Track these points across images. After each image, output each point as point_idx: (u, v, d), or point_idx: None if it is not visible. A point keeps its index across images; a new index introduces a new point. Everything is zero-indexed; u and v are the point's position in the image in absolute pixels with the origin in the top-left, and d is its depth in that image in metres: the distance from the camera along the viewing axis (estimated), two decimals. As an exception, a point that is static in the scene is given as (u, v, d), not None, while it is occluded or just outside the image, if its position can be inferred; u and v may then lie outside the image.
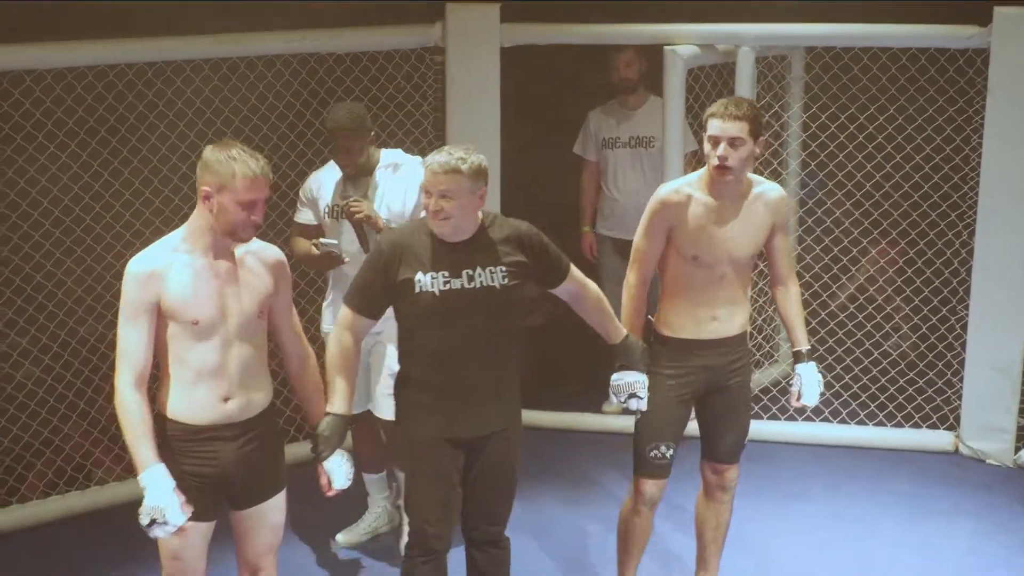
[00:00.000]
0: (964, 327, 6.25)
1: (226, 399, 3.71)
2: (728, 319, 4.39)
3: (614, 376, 4.31)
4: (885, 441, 6.33)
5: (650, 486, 4.45)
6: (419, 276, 3.91)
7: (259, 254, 3.80)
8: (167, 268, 3.65)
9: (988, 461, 6.15)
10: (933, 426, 6.32)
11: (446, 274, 3.92)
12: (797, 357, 4.48)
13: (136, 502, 3.61)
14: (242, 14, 6.01)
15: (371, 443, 5.24)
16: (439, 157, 3.91)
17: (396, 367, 4.15)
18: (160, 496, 3.55)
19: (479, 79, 6.17)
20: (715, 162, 4.22)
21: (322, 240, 4.95)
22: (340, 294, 4.81)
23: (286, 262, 3.87)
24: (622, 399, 4.31)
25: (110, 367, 5.43)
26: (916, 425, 6.35)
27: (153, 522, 3.56)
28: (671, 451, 4.42)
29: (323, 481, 3.92)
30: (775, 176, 6.35)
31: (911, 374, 6.45)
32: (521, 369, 4.15)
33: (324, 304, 5.21)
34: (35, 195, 5.51)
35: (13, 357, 5.57)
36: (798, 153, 6.71)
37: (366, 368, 4.97)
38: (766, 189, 4.40)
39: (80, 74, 5.51)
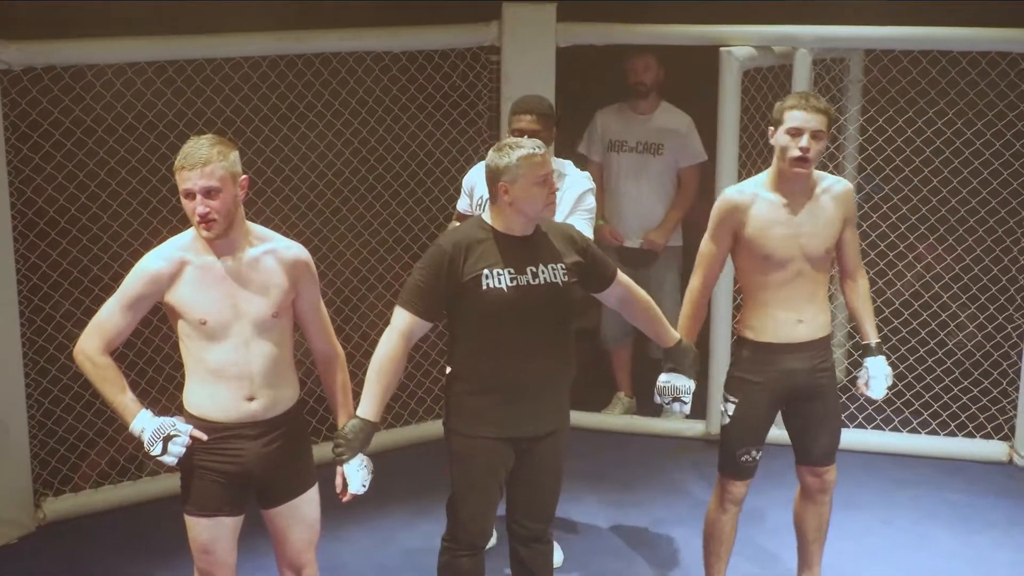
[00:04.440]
0: (1021, 335, 6.17)
1: (250, 398, 3.72)
2: (813, 320, 4.36)
3: (661, 377, 4.28)
4: (937, 450, 6.24)
5: (738, 486, 4.49)
6: (487, 272, 3.88)
7: (278, 253, 3.75)
8: (177, 268, 3.66)
9: (1043, 472, 6.07)
10: (987, 436, 6.23)
11: (512, 270, 3.90)
12: (866, 351, 4.48)
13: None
14: (298, 12, 6.04)
15: None
16: (534, 144, 3.91)
17: None
18: (160, 422, 3.66)
19: (535, 78, 6.15)
20: (795, 154, 4.18)
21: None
22: None
23: (309, 261, 3.81)
24: (666, 401, 4.29)
25: (164, 359, 5.57)
26: (970, 435, 6.26)
27: (167, 440, 3.64)
28: (759, 453, 4.46)
29: (338, 482, 3.86)
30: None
31: (965, 382, 6.35)
32: (574, 369, 4.14)
33: None
34: (94, 188, 5.56)
35: (69, 348, 5.62)
36: (855, 157, 6.63)
37: None
38: (832, 183, 4.39)
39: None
